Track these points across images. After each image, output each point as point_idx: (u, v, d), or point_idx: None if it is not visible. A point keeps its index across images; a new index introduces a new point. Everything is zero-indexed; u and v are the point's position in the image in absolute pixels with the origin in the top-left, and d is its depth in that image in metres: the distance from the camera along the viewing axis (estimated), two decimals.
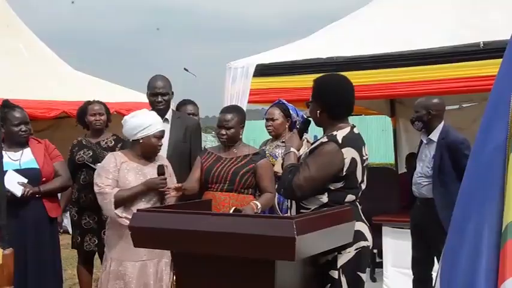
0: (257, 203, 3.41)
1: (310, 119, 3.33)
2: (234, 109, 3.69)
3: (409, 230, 4.25)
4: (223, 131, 3.54)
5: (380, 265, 4.91)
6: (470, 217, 1.77)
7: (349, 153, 2.65)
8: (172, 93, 4.01)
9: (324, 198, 2.67)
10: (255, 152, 3.61)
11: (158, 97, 3.89)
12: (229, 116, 3.54)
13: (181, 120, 4.02)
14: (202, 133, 4.26)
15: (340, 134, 2.67)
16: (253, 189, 3.57)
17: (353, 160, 2.65)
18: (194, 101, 4.80)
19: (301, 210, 2.71)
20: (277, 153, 3.94)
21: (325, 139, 2.68)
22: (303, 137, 3.47)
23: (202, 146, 4.19)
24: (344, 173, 2.64)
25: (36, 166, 3.72)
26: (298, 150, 2.84)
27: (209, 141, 13.48)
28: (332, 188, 2.66)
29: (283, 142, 3.86)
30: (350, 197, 2.70)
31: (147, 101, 4.08)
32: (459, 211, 1.86)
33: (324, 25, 5.69)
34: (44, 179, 3.73)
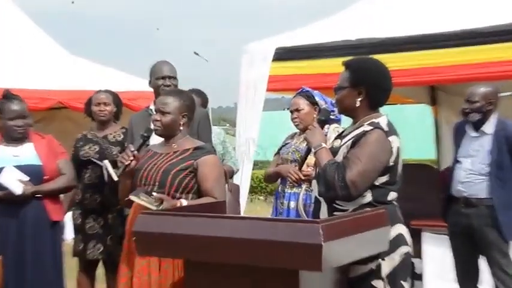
0: (183, 200, 3.08)
1: (328, 109, 3.33)
2: (178, 93, 3.37)
3: None
4: (158, 116, 3.24)
5: (419, 277, 4.87)
6: None
7: (395, 141, 2.66)
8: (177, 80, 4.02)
9: (368, 197, 2.64)
10: (198, 145, 3.26)
11: (166, 80, 3.87)
12: (168, 99, 3.25)
13: None
14: (211, 125, 4.28)
15: (382, 122, 2.68)
16: (196, 194, 3.19)
17: (398, 150, 2.67)
18: (201, 90, 4.81)
19: (335, 213, 2.70)
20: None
21: (367, 127, 2.66)
22: (333, 127, 3.43)
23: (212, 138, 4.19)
24: (391, 164, 2.64)
25: (39, 163, 3.78)
26: (326, 143, 2.82)
27: (216, 133, 13.39)
28: (376, 183, 2.64)
29: None
30: (392, 195, 2.70)
31: (151, 90, 4.09)
32: None
33: (353, 2, 5.66)
34: (46, 177, 3.77)
